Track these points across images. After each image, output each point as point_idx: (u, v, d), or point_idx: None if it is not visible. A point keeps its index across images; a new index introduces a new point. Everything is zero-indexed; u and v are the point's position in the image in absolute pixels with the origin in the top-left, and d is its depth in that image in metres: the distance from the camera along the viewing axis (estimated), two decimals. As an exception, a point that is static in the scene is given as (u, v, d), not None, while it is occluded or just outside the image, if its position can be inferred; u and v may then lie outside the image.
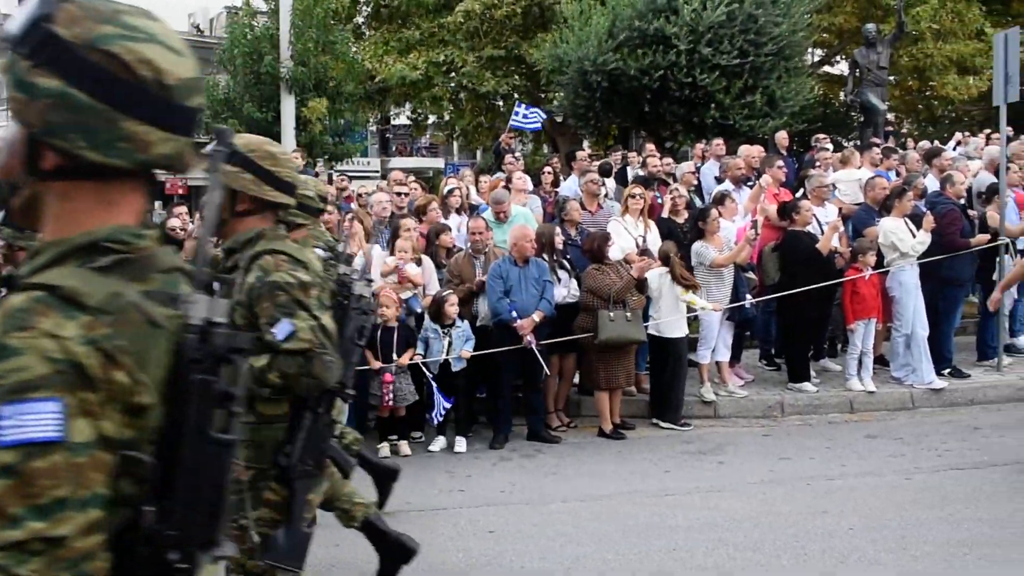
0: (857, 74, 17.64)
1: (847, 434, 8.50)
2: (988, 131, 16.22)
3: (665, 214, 10.11)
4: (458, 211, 10.25)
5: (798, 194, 10.56)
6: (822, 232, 9.47)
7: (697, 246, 9.08)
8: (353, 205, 11.12)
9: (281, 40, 18.72)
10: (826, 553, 5.68)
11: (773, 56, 15.39)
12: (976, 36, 19.29)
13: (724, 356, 9.33)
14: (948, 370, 9.74)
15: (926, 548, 5.73)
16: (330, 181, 13.90)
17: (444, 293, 8.35)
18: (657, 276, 8.77)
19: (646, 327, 8.72)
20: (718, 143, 12.84)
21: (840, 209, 10.32)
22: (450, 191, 10.36)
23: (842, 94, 18.98)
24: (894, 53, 18.89)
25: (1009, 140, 15.76)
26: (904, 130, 22.40)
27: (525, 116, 15.80)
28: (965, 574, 5.35)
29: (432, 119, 26.46)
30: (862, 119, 18.07)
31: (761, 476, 7.20)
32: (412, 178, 11.43)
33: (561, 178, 12.30)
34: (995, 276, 9.84)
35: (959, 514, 6.32)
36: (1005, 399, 9.38)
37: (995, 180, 10.50)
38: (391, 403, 8.11)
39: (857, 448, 8.03)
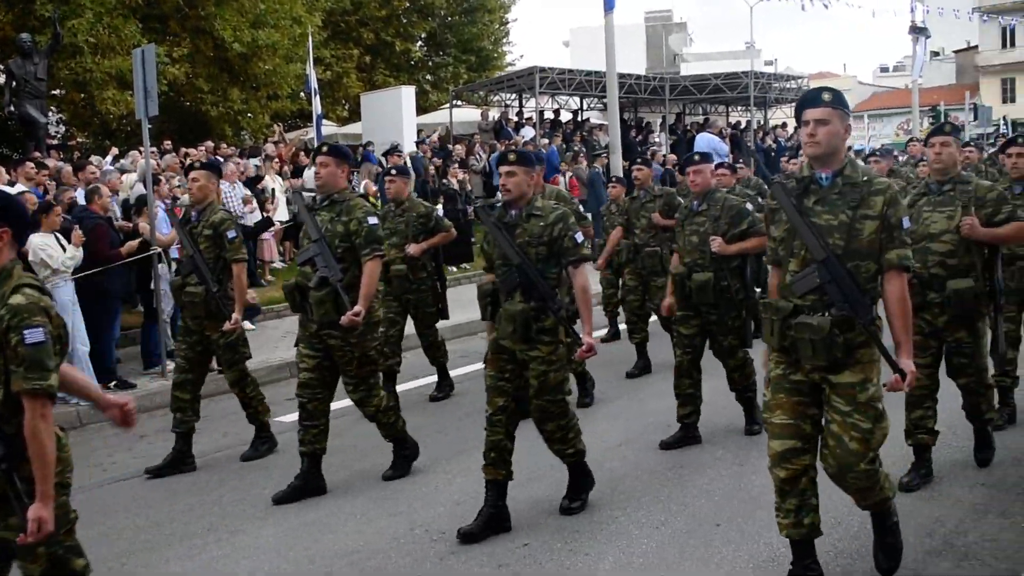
0: (14, 85, 16.89)
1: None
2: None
3: None
4: None
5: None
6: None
7: None
8: None
9: None
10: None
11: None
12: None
13: None
14: (115, 382, 9.80)
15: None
16: None
17: None
18: None
19: None
20: None
21: None
22: None
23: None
24: (52, 65, 18.40)
25: (166, 153, 16.54)
26: (76, 142, 21.96)
27: None
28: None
29: None
30: (24, 132, 17.43)
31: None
32: None
33: None
34: (151, 285, 10.16)
35: (120, 525, 6.41)
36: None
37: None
38: None
39: None
